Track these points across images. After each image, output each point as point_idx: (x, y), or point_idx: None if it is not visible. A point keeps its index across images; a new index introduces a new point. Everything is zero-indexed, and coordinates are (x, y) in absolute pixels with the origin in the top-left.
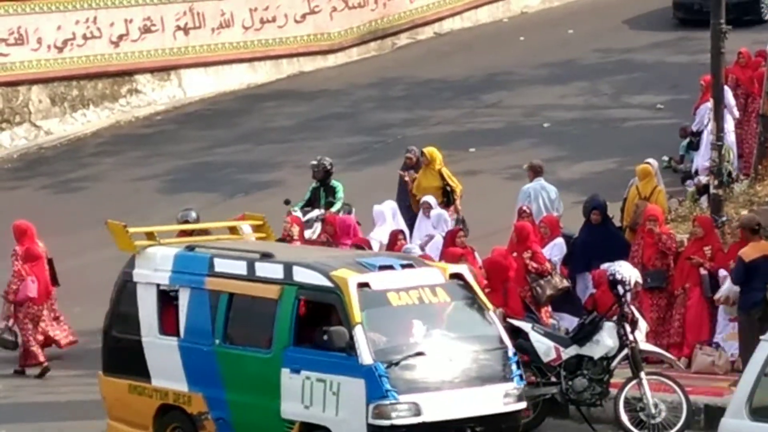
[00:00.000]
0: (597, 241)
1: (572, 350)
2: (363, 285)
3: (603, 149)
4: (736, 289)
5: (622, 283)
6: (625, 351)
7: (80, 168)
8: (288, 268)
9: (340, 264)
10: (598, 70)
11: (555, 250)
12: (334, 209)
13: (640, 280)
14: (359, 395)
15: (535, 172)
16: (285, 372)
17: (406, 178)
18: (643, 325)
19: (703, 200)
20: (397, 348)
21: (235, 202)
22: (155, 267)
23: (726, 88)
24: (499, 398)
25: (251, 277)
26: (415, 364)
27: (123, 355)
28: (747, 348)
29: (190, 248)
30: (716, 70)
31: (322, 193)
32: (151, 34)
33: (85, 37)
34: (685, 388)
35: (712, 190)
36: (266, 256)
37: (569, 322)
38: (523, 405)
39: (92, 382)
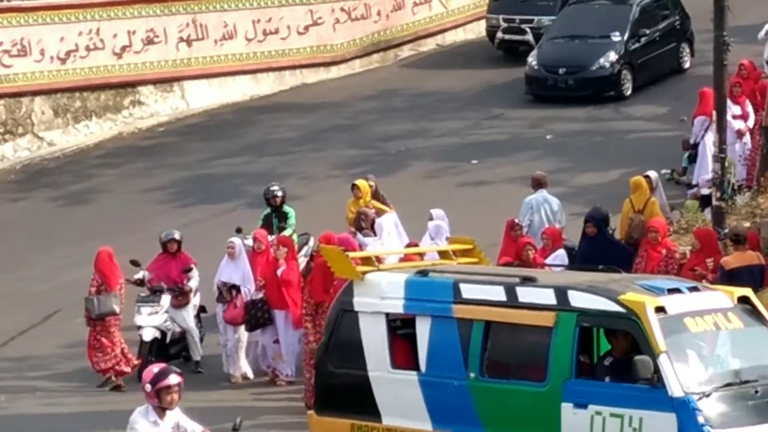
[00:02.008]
0: (598, 253)
1: None
2: (659, 310)
3: (606, 161)
4: None
5: None
6: None
7: (83, 179)
8: (561, 292)
9: (623, 287)
10: None
11: (557, 261)
12: (285, 233)
13: None
14: (667, 431)
15: (538, 183)
16: (566, 407)
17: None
18: None
19: (707, 212)
20: (704, 379)
21: (238, 213)
22: (382, 294)
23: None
24: None
25: (512, 303)
26: (725, 395)
27: (343, 391)
28: None
29: (423, 273)
30: (719, 82)
31: (274, 219)
32: (154, 45)
33: (88, 49)
34: None
35: (714, 203)
36: (528, 280)
37: None
38: None
39: (94, 392)
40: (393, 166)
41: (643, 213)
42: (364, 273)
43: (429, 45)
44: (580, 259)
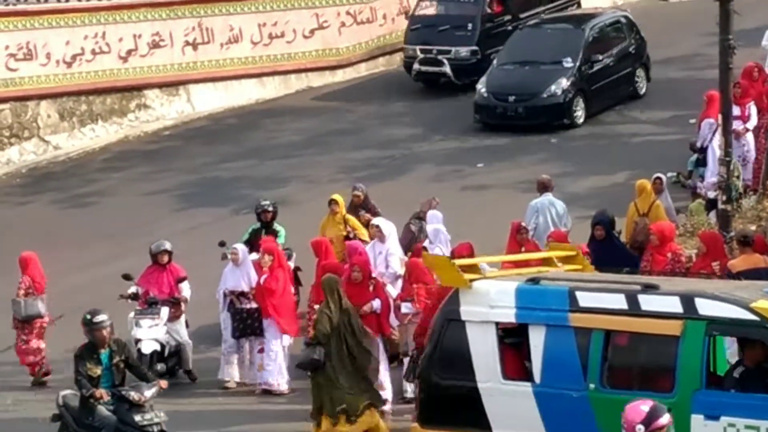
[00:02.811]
0: (604, 257)
1: None
2: None
3: (611, 164)
4: None
5: None
6: None
7: (88, 183)
8: (688, 300)
9: (753, 294)
10: None
11: None
12: None
13: None
14: None
15: (544, 187)
16: (697, 419)
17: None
18: None
19: (712, 215)
20: None
21: (243, 217)
22: (491, 303)
23: (752, 103)
24: None
25: (635, 311)
26: None
27: (450, 404)
28: None
29: (534, 281)
30: (724, 86)
31: (263, 235)
32: (159, 49)
33: (93, 52)
34: None
35: (720, 206)
36: (650, 287)
37: None
38: None
39: None
40: (398, 170)
41: (647, 216)
42: (471, 281)
43: None
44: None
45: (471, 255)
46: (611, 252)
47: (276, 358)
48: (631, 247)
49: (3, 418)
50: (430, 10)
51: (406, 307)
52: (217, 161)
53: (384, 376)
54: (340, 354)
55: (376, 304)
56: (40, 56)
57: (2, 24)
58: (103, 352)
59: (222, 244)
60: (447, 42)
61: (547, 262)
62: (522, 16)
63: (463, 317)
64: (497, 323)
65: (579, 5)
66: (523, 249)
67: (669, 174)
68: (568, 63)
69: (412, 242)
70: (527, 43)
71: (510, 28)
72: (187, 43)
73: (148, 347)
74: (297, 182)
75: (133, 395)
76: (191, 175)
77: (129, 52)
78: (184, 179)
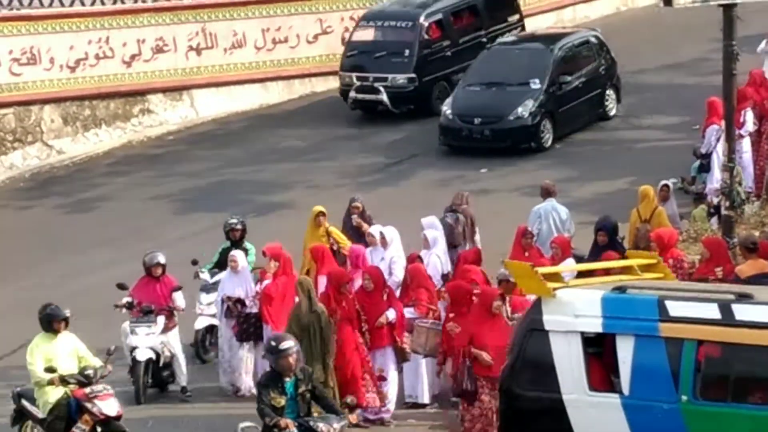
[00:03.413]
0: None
1: None
2: None
3: (614, 170)
4: None
5: None
6: None
7: (92, 188)
8: None
9: None
10: None
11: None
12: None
13: None
14: None
15: (547, 192)
16: None
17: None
18: None
19: (714, 221)
20: None
21: (246, 222)
22: (576, 312)
23: (749, 109)
24: None
25: (729, 321)
26: None
27: (533, 416)
28: None
29: (621, 290)
30: (728, 92)
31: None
32: (163, 54)
33: (97, 57)
34: None
35: (723, 212)
36: (744, 297)
37: None
38: None
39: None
40: (402, 175)
41: (650, 222)
42: (555, 290)
43: None
44: None
45: (478, 260)
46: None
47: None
48: None
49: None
50: (367, 36)
51: (408, 312)
52: (220, 166)
53: (391, 386)
54: (311, 354)
55: (392, 315)
56: (43, 61)
57: (6, 29)
58: (288, 381)
59: (194, 262)
60: (383, 69)
61: (628, 270)
62: (462, 41)
63: (547, 327)
64: (582, 333)
65: (523, 28)
66: (526, 254)
67: (672, 180)
68: (535, 84)
69: (451, 234)
70: (494, 63)
71: (449, 54)
72: (191, 48)
73: (143, 355)
74: (300, 187)
75: (322, 427)
76: (195, 180)
77: (133, 57)
78: (188, 184)
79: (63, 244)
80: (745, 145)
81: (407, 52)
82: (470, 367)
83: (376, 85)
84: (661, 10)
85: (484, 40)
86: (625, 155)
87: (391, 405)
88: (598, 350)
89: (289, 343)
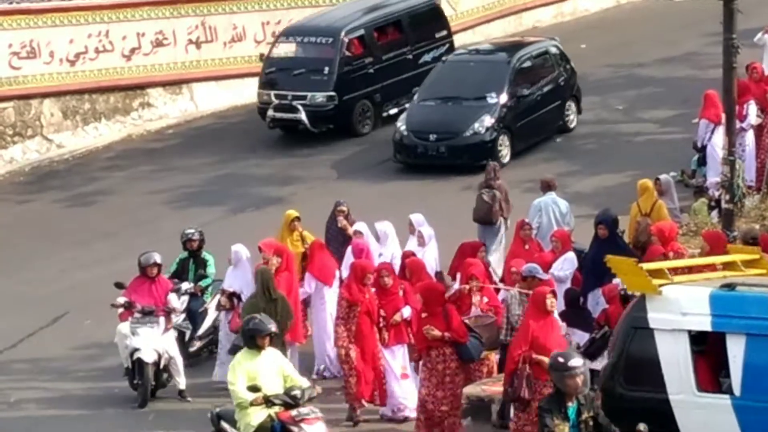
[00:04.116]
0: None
1: None
2: None
3: (615, 164)
4: None
5: (634, 297)
6: None
7: (92, 181)
8: None
9: None
10: (610, 84)
11: (566, 264)
12: (204, 284)
13: None
14: None
15: (547, 186)
16: None
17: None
18: None
19: (714, 215)
20: None
21: (246, 216)
22: (682, 310)
23: (752, 102)
24: None
25: None
26: None
27: (637, 417)
28: None
29: (730, 287)
30: (728, 85)
31: (191, 265)
32: (163, 47)
33: (97, 51)
34: None
35: (723, 205)
36: None
37: (580, 337)
38: None
39: (112, 395)
40: (403, 170)
41: (650, 216)
42: (660, 286)
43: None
44: (590, 262)
45: (475, 254)
46: (614, 251)
47: None
48: (634, 247)
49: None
50: (286, 52)
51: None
52: (220, 160)
53: (410, 385)
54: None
55: (407, 312)
56: (43, 54)
57: (6, 22)
58: (571, 406)
59: (119, 286)
60: (302, 87)
61: (730, 266)
62: (385, 57)
63: (652, 325)
64: (689, 331)
65: (452, 44)
66: (526, 246)
67: (672, 173)
68: (492, 98)
69: (488, 212)
70: (449, 77)
71: (371, 71)
72: (191, 42)
73: (149, 356)
74: (301, 182)
75: None
76: (194, 174)
77: (132, 51)
78: (187, 178)
79: (62, 238)
80: (748, 138)
81: (327, 69)
82: (530, 373)
83: (294, 103)
84: (661, 3)
85: (410, 56)
86: (626, 149)
87: (412, 402)
88: (702, 348)
89: (579, 362)
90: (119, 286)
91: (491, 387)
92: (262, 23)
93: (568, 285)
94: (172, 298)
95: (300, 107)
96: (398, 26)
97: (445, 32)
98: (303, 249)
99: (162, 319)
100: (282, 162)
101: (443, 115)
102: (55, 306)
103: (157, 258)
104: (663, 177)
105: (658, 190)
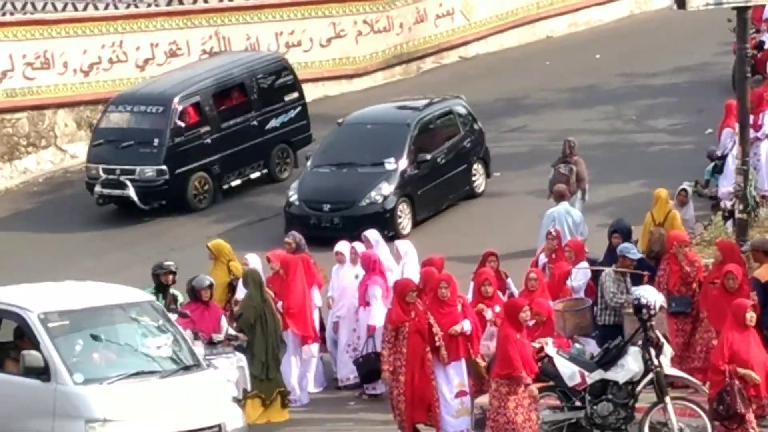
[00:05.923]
0: None
1: (597, 375)
2: None
3: (628, 173)
4: None
5: (647, 307)
6: (651, 375)
7: None
8: None
9: None
10: (623, 94)
11: (579, 274)
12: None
13: (664, 305)
14: None
15: (560, 196)
16: None
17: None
18: (668, 350)
19: (728, 225)
20: None
21: (255, 227)
22: None
23: (767, 111)
24: None
25: None
26: None
27: None
28: None
29: None
30: (742, 94)
31: (161, 300)
32: (176, 58)
33: (111, 61)
34: None
35: (737, 215)
36: None
37: (594, 346)
38: None
39: None
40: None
41: (663, 226)
42: None
43: (451, 57)
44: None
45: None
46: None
47: (292, 371)
48: (648, 256)
49: None
50: (116, 123)
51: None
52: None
53: (467, 402)
54: (264, 340)
55: (467, 325)
56: (57, 65)
57: (20, 33)
58: None
59: (183, 315)
60: (131, 160)
61: None
62: (225, 125)
63: None
64: None
65: (304, 107)
66: (553, 256)
67: (686, 183)
68: (390, 164)
69: (566, 185)
70: (344, 141)
71: (209, 141)
72: (204, 52)
73: (235, 390)
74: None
75: None
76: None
77: (146, 61)
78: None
79: (77, 249)
80: (762, 148)
81: (156, 140)
82: (741, 387)
83: (122, 178)
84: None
85: (255, 123)
86: (639, 158)
87: (469, 420)
88: None
89: None
90: (183, 315)
91: None
92: (276, 33)
93: (581, 294)
94: (224, 323)
95: (128, 183)
96: (241, 90)
97: (296, 94)
98: (229, 279)
99: (231, 349)
100: (294, 171)
101: (338, 183)
102: None
103: (211, 279)
104: (688, 187)
105: (681, 201)
